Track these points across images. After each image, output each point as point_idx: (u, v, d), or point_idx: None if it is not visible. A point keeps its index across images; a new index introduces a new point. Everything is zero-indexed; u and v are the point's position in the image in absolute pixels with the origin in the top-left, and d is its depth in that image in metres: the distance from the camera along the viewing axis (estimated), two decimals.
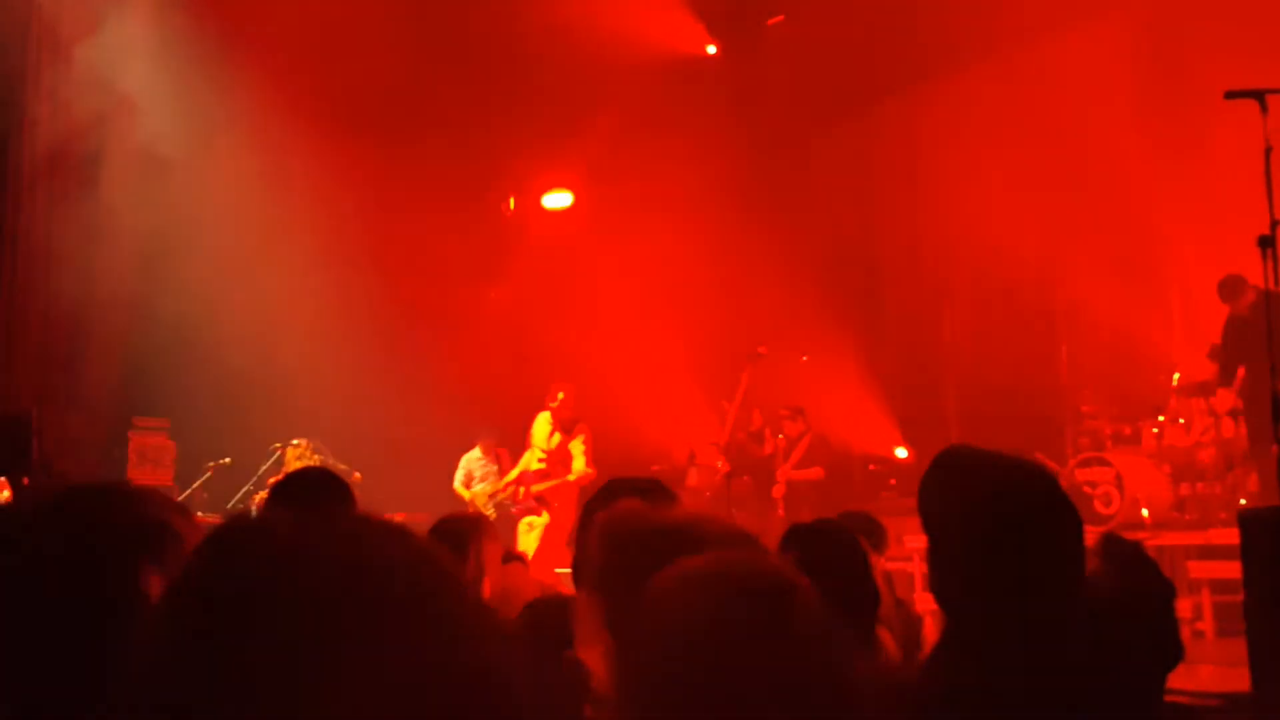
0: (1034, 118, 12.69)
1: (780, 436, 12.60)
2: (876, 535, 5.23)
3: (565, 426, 11.55)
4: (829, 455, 12.39)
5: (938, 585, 2.25)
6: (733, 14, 14.29)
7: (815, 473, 12.14)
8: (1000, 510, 2.17)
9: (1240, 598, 5.22)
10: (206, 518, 11.62)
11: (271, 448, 12.17)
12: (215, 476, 12.11)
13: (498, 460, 12.85)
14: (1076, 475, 10.08)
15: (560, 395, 11.49)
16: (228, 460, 12.13)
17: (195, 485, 11.96)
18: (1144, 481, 10.16)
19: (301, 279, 13.00)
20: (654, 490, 2.52)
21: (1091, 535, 2.55)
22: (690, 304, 14.18)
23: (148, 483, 11.49)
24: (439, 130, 14.19)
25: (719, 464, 11.79)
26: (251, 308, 12.75)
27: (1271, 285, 6.10)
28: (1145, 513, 9.79)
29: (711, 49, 15.20)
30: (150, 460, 12.21)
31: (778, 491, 12.10)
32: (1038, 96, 12.52)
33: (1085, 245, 12.53)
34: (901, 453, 13.79)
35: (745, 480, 12.49)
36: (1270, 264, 6.06)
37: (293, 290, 13.20)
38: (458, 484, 12.79)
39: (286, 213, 12.97)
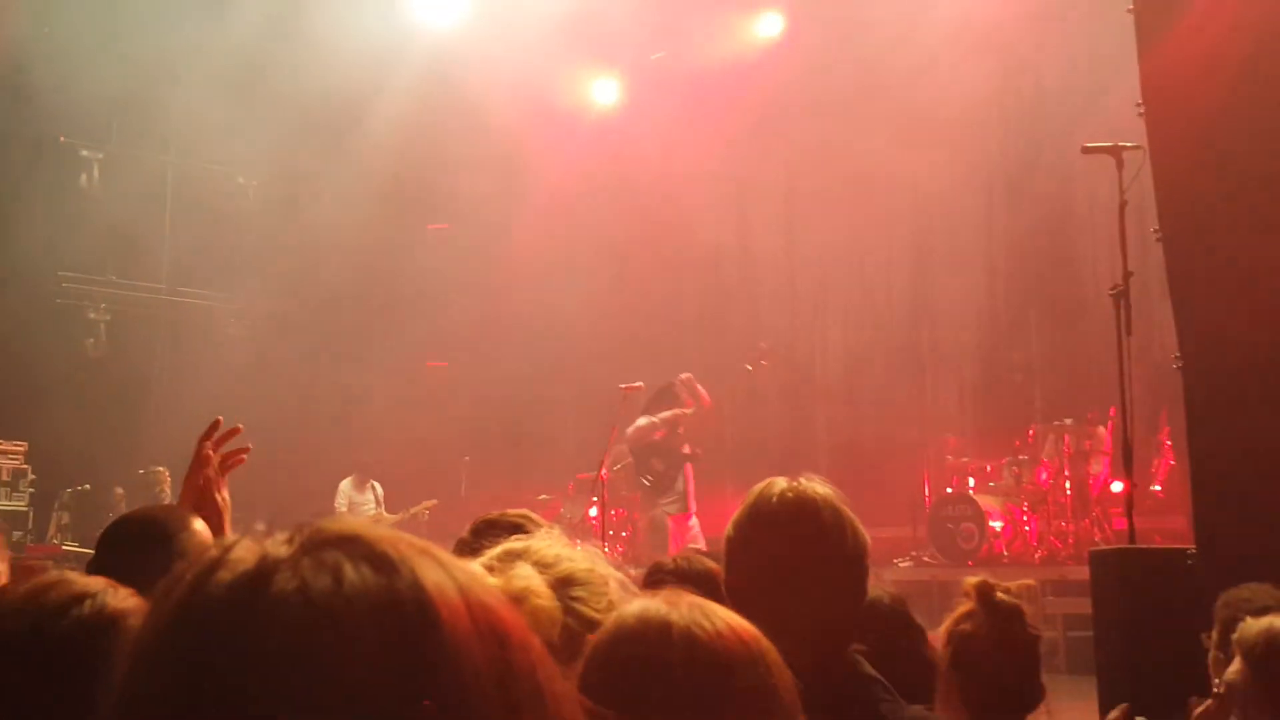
0: (905, 165, 13.06)
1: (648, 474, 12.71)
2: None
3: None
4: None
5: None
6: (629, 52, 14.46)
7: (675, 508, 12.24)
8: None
9: (1088, 633, 5.40)
10: (70, 547, 11.34)
11: (139, 472, 11.94)
12: (75, 502, 11.80)
13: (372, 491, 12.85)
14: (940, 511, 10.36)
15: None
16: (86, 487, 11.82)
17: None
18: (1003, 519, 10.49)
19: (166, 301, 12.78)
20: (525, 524, 2.49)
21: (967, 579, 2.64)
22: (572, 338, 14.27)
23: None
24: None
25: (593, 497, 11.83)
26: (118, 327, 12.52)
27: (1126, 334, 6.35)
28: (1004, 551, 10.10)
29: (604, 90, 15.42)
30: (4, 483, 11.84)
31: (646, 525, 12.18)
32: (908, 143, 12.89)
33: (949, 288, 12.91)
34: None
35: (620, 513, 12.56)
36: (1123, 314, 6.32)
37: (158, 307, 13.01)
38: (341, 509, 12.75)
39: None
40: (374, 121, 14.15)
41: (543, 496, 13.23)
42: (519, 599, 1.68)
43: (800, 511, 2.27)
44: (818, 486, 2.34)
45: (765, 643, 1.43)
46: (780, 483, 2.34)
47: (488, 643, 0.85)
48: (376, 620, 0.81)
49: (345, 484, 13.01)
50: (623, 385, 10.52)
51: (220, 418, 3.16)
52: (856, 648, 2.32)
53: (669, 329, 14.34)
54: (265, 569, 0.82)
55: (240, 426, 3.19)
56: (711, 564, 3.00)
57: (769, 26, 14.04)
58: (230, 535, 0.89)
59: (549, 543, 1.95)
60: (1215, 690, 3.07)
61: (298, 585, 0.81)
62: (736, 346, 13.87)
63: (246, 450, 3.19)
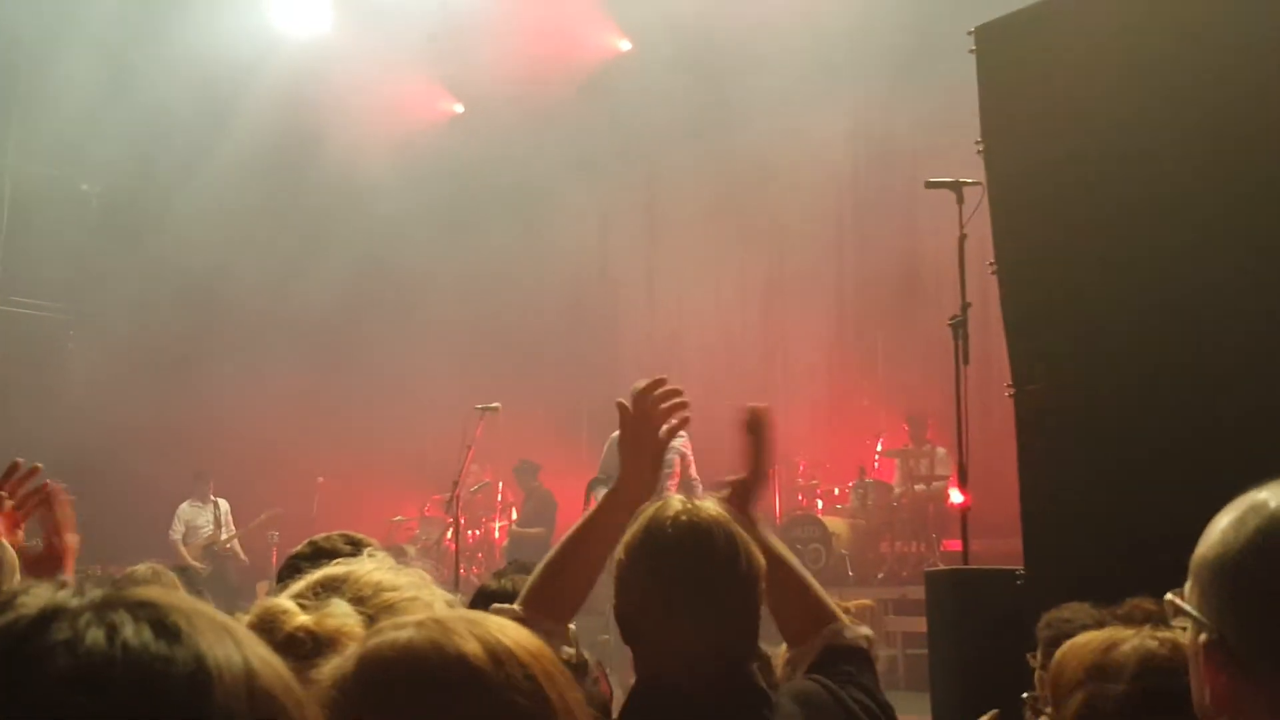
0: (757, 189, 13.37)
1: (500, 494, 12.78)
2: None
3: None
4: (552, 512, 12.54)
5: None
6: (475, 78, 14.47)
7: (538, 532, 12.29)
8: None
9: (921, 651, 5.58)
10: None
11: None
12: None
13: (213, 509, 12.59)
14: (789, 532, 10.59)
15: None
16: None
17: None
18: (848, 539, 10.77)
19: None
20: (352, 548, 2.36)
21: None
22: (429, 357, 14.21)
23: None
24: None
25: (446, 518, 11.79)
26: None
27: (963, 364, 6.59)
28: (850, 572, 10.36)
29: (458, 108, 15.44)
30: None
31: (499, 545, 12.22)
32: (761, 170, 13.20)
33: (802, 314, 13.22)
34: None
35: (475, 534, 12.55)
36: (961, 344, 6.57)
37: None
38: (177, 534, 12.46)
39: None
40: (230, 132, 13.92)
41: (398, 518, 13.14)
42: (331, 640, 1.65)
43: (694, 535, 2.27)
44: (710, 508, 2.35)
45: (538, 661, 1.34)
46: (674, 503, 2.34)
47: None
48: (141, 687, 0.79)
49: (183, 507, 12.64)
50: (479, 405, 10.51)
51: (19, 460, 3.01)
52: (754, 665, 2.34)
53: (528, 350, 14.38)
54: (46, 617, 0.81)
55: (40, 466, 3.04)
56: None
57: (619, 48, 14.21)
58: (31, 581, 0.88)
59: (371, 567, 1.90)
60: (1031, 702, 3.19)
61: (69, 637, 0.79)
62: (596, 368, 13.98)
63: (48, 491, 3.02)
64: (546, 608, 2.49)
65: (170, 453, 13.40)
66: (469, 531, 12.34)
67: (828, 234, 13.37)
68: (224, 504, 12.73)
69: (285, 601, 1.75)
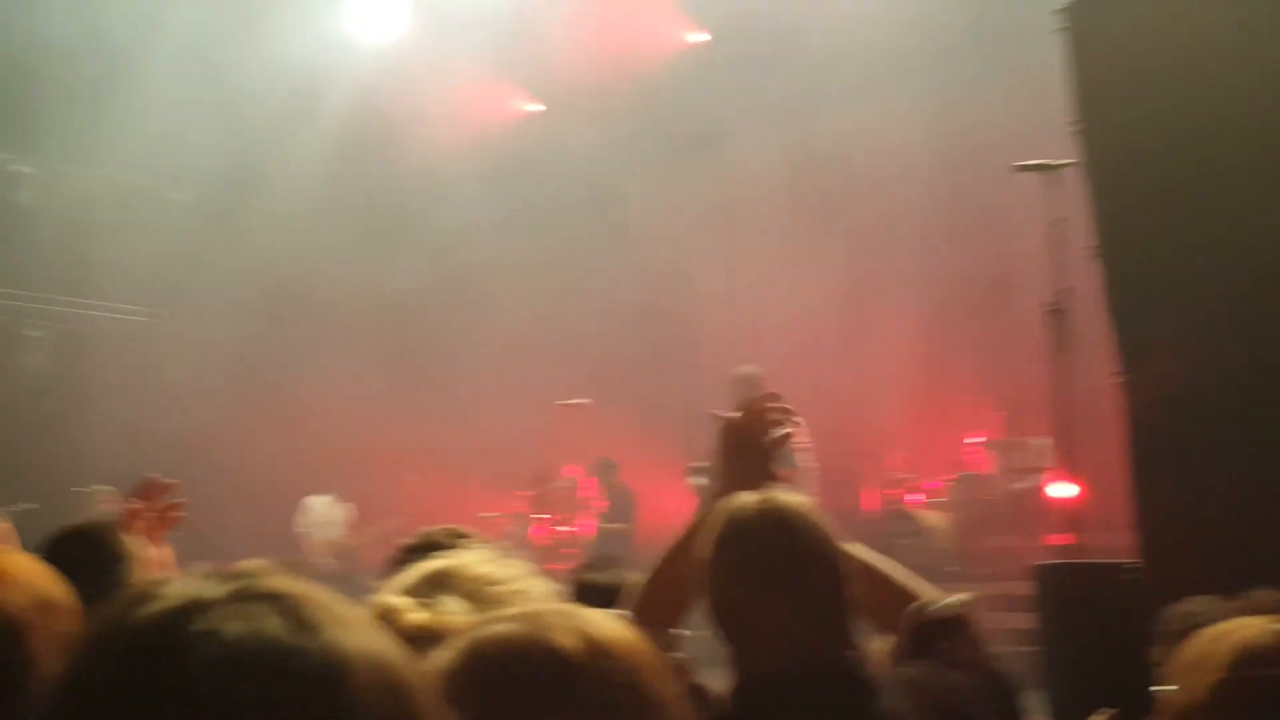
0: (840, 184, 13.19)
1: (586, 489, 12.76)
2: None
3: None
4: (632, 508, 12.49)
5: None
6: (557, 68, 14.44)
7: (621, 528, 12.24)
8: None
9: (1033, 648, 5.43)
10: None
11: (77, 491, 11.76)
12: (20, 522, 11.56)
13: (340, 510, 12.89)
14: (885, 528, 10.42)
15: None
16: (34, 506, 11.62)
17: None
18: (945, 534, 10.56)
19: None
20: (456, 543, 2.45)
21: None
22: (515, 355, 14.25)
23: None
24: None
25: (531, 514, 11.80)
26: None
27: (1061, 351, 6.42)
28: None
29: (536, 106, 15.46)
30: None
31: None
32: (841, 165, 13.03)
33: (887, 305, 13.02)
34: None
35: (561, 531, 12.53)
36: (1059, 331, 6.39)
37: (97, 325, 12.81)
38: (309, 528, 12.73)
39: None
40: (311, 138, 14.04)
41: (485, 514, 13.16)
42: (442, 637, 1.61)
43: (776, 521, 2.27)
44: (787, 495, 2.34)
45: (636, 655, 1.36)
46: (751, 496, 2.34)
47: (391, 709, 0.86)
48: (279, 677, 0.82)
49: (310, 500, 12.93)
50: (564, 401, 10.51)
51: (155, 475, 3.14)
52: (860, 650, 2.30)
53: (610, 347, 14.32)
54: (190, 608, 0.85)
55: (177, 482, 3.17)
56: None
57: (693, 40, 14.10)
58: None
59: (476, 559, 1.91)
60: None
61: (209, 629, 0.84)
62: (676, 365, 13.90)
63: (179, 505, 3.13)
64: (652, 614, 2.45)
65: (258, 452, 13.60)
66: (555, 527, 12.33)
67: (913, 224, 13.12)
68: (347, 505, 12.97)
69: (398, 599, 1.77)
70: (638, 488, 12.49)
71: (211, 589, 0.87)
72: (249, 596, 0.87)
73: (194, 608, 0.85)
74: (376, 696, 0.85)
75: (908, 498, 11.55)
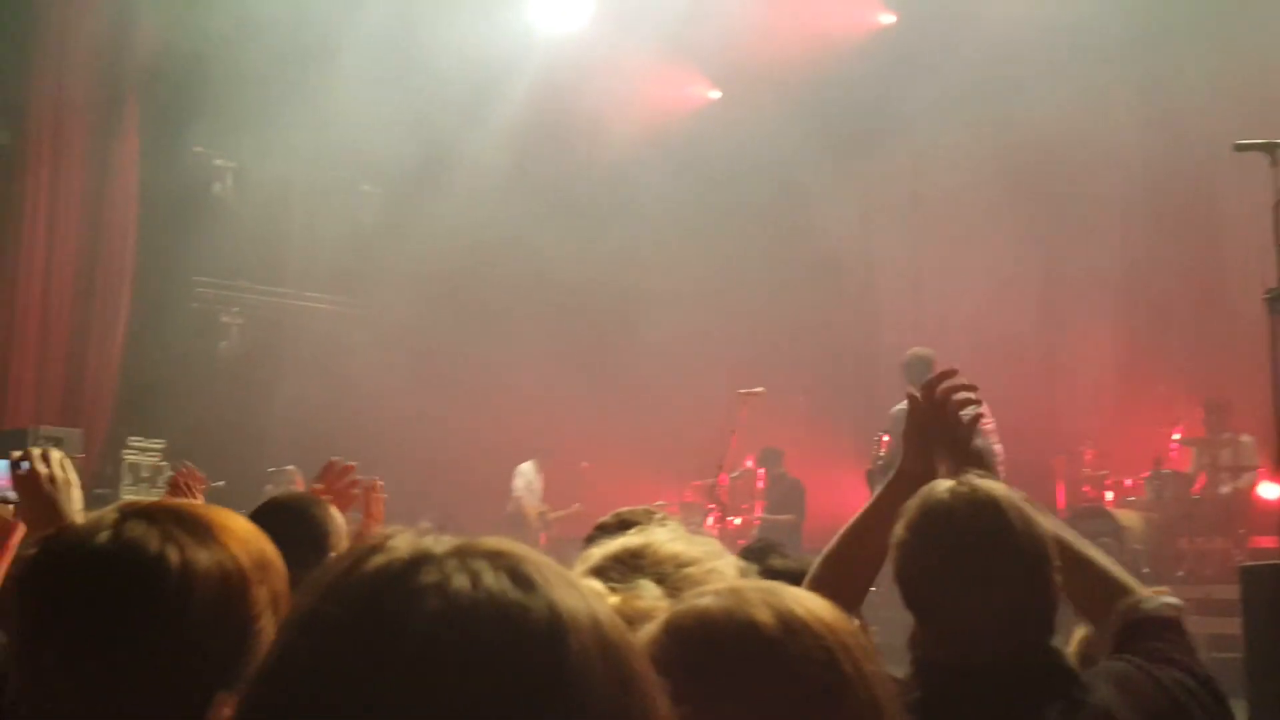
0: (1034, 172, 12.73)
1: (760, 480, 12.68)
2: None
3: None
4: (800, 499, 12.31)
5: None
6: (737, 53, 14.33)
7: (788, 519, 12.10)
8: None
9: (1236, 655, 5.16)
10: None
11: (269, 470, 12.27)
12: (213, 499, 12.09)
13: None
14: (1077, 525, 10.02)
15: None
16: (220, 484, 12.11)
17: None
18: (1142, 533, 10.12)
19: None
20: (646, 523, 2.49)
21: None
22: (688, 342, 14.23)
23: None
24: None
25: (706, 504, 11.74)
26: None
27: (1277, 346, 6.04)
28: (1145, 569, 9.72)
29: (714, 94, 15.40)
30: (144, 480, 12.21)
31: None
32: (1037, 152, 12.56)
33: (1085, 295, 12.55)
34: None
35: (732, 524, 12.44)
36: (1276, 323, 6.01)
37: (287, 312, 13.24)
38: (521, 490, 13.01)
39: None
40: (493, 129, 14.27)
41: (658, 503, 13.15)
42: (640, 621, 1.62)
43: (976, 507, 2.20)
44: (989, 481, 2.27)
45: (834, 633, 1.37)
46: (946, 481, 2.28)
47: (609, 682, 0.87)
48: (504, 630, 0.85)
49: (527, 466, 13.28)
50: (742, 390, 10.40)
51: (335, 458, 3.41)
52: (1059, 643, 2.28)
53: (790, 336, 14.16)
54: (416, 560, 0.89)
55: (354, 464, 3.45)
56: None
57: (881, 22, 13.79)
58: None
59: (667, 536, 1.91)
60: None
61: (438, 580, 0.87)
62: (857, 356, 13.68)
63: (365, 485, 3.45)
64: (830, 597, 2.38)
65: (438, 436, 13.93)
66: (729, 518, 12.25)
67: (1113, 209, 12.58)
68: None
69: (594, 582, 1.77)
70: (812, 479, 12.33)
71: (437, 544, 0.90)
72: (473, 553, 0.89)
73: (422, 559, 0.88)
74: (596, 655, 0.87)
75: (1103, 495, 11.11)
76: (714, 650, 1.34)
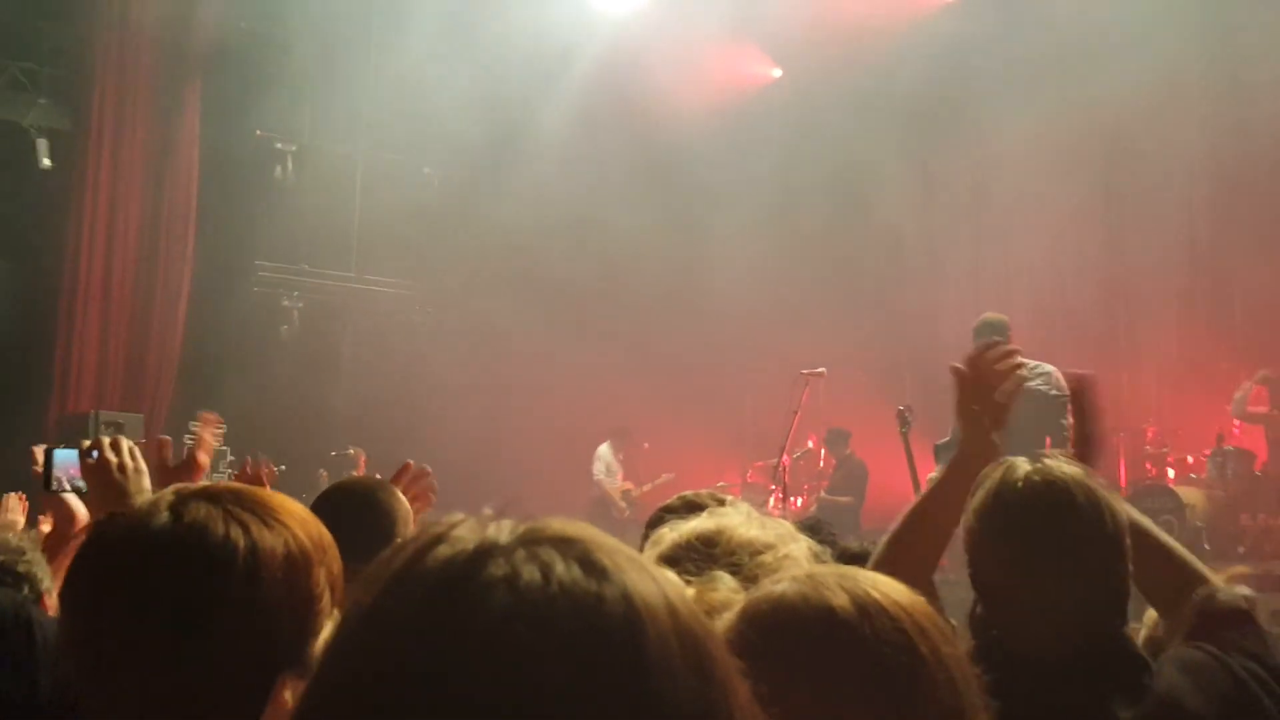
0: (1095, 144, 12.55)
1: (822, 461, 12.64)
2: None
3: None
4: (862, 481, 12.28)
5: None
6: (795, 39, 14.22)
7: (847, 500, 12.06)
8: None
9: None
10: None
11: (332, 454, 12.39)
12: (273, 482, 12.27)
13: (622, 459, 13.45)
14: (1138, 503, 9.92)
15: None
16: (282, 467, 12.28)
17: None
18: (1204, 511, 10.01)
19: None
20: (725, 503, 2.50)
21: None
22: (749, 321, 14.21)
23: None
24: None
25: (769, 485, 11.72)
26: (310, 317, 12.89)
27: None
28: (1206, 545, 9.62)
29: (776, 72, 15.32)
30: None
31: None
32: (1099, 123, 12.37)
33: (1148, 272, 12.37)
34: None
35: (795, 505, 12.43)
36: None
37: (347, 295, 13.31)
38: (601, 474, 13.30)
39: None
40: (556, 109, 14.29)
41: (720, 484, 13.17)
42: (716, 613, 1.67)
43: (1050, 493, 2.17)
44: (1064, 465, 2.23)
45: (910, 615, 1.39)
46: (1022, 465, 2.24)
47: (688, 670, 0.84)
48: (579, 622, 0.82)
49: (604, 448, 13.42)
50: (804, 370, 10.35)
51: (410, 462, 3.41)
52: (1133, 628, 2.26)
53: (851, 315, 14.08)
54: (482, 552, 0.85)
55: (428, 469, 3.44)
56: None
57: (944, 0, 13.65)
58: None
59: (740, 520, 1.90)
60: None
61: (507, 573, 0.83)
62: (918, 334, 13.57)
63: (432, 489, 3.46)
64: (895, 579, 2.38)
65: (505, 419, 14.00)
66: (791, 499, 12.22)
67: (1177, 187, 12.35)
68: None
69: (669, 573, 1.75)
70: (872, 460, 12.27)
71: (501, 532, 0.87)
72: (540, 540, 0.86)
73: (489, 551, 0.85)
74: (674, 643, 0.84)
75: (1165, 472, 10.99)
76: (791, 635, 1.37)
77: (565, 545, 0.86)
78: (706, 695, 0.85)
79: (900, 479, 9.96)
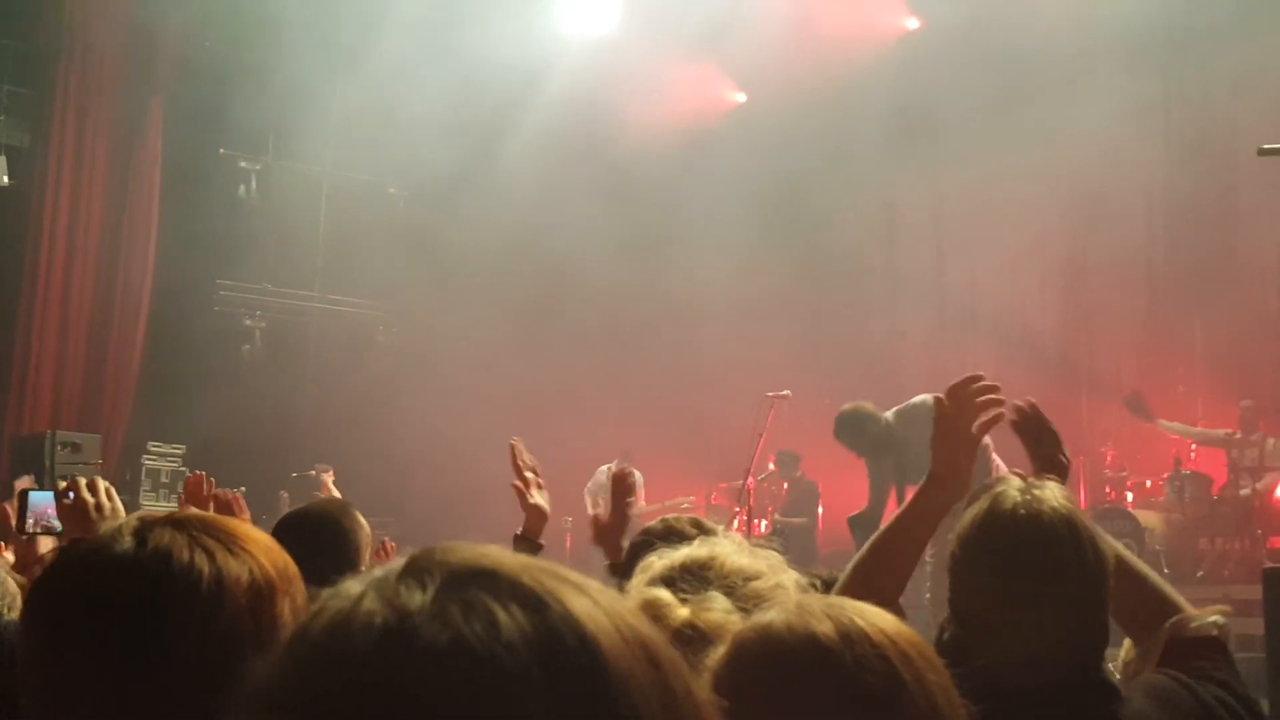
0: (1056, 175, 12.70)
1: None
2: None
3: None
4: (813, 502, 12.29)
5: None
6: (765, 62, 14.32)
7: (800, 522, 12.09)
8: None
9: (1252, 655, 5.14)
10: None
11: (293, 475, 12.29)
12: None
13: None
14: (1098, 525, 9.99)
15: None
16: (242, 489, 12.18)
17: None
18: (1162, 534, 10.11)
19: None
20: (706, 531, 2.52)
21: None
22: (713, 346, 14.23)
23: (157, 508, 11.53)
24: None
25: (734, 507, 11.72)
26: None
27: None
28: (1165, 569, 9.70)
29: (741, 97, 15.41)
30: (164, 486, 12.24)
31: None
32: (1060, 154, 12.53)
33: (1107, 300, 12.52)
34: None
35: (757, 528, 12.43)
36: None
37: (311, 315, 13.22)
38: (589, 490, 13.17)
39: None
40: (521, 132, 14.30)
41: (685, 502, 13.16)
42: (712, 634, 1.68)
43: (1039, 525, 2.14)
44: (1053, 495, 2.20)
45: (895, 644, 1.40)
46: (1013, 492, 2.20)
47: (645, 666, 0.80)
48: (543, 664, 0.75)
49: (603, 470, 13.32)
50: (769, 393, 10.37)
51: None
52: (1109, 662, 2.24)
53: (815, 338, 14.14)
54: (405, 620, 0.76)
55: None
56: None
57: (906, 27, 13.79)
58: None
59: (731, 549, 1.93)
60: None
61: (452, 637, 0.74)
62: (882, 358, 13.64)
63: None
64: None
65: (467, 440, 13.90)
66: (755, 521, 12.22)
67: (1137, 210, 12.54)
68: (638, 475, 13.22)
69: (665, 594, 1.80)
70: (833, 481, 12.29)
71: (409, 593, 0.77)
72: (459, 586, 0.77)
73: (408, 618, 0.75)
74: (627, 651, 0.79)
75: (1124, 496, 11.10)
76: (777, 663, 1.39)
77: (488, 581, 0.78)
78: (664, 682, 0.80)
79: (862, 502, 10.02)
